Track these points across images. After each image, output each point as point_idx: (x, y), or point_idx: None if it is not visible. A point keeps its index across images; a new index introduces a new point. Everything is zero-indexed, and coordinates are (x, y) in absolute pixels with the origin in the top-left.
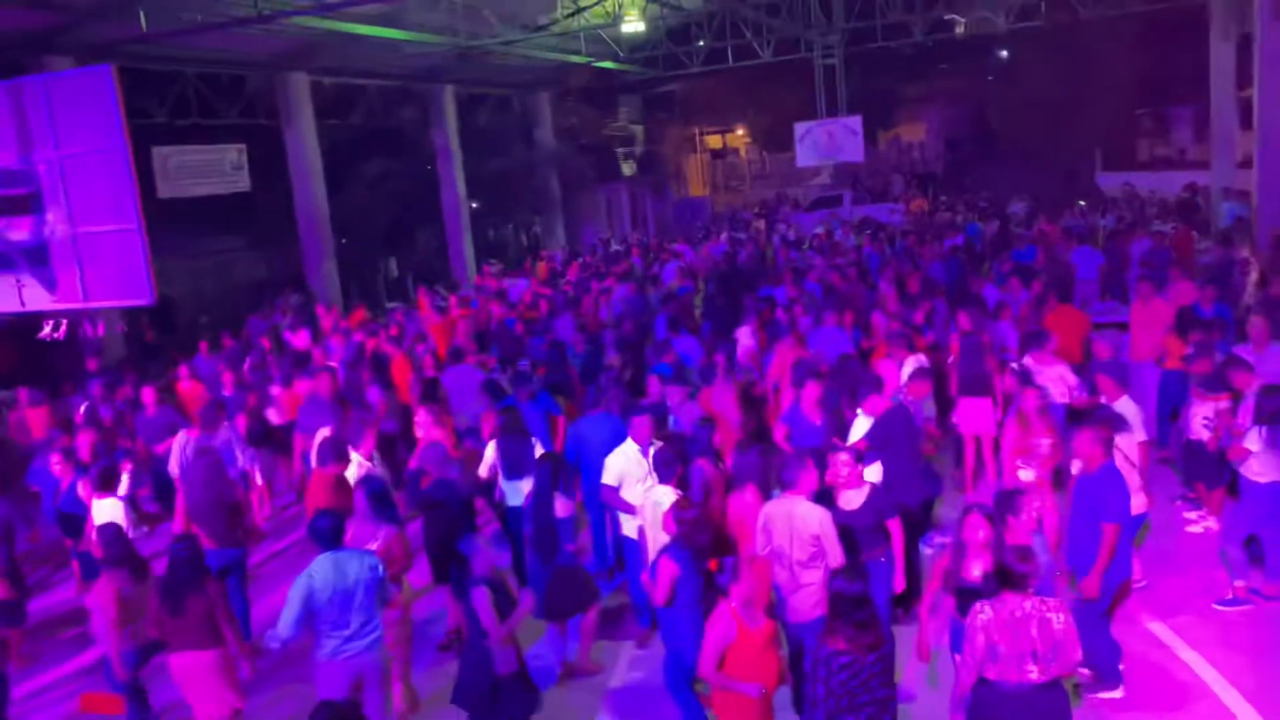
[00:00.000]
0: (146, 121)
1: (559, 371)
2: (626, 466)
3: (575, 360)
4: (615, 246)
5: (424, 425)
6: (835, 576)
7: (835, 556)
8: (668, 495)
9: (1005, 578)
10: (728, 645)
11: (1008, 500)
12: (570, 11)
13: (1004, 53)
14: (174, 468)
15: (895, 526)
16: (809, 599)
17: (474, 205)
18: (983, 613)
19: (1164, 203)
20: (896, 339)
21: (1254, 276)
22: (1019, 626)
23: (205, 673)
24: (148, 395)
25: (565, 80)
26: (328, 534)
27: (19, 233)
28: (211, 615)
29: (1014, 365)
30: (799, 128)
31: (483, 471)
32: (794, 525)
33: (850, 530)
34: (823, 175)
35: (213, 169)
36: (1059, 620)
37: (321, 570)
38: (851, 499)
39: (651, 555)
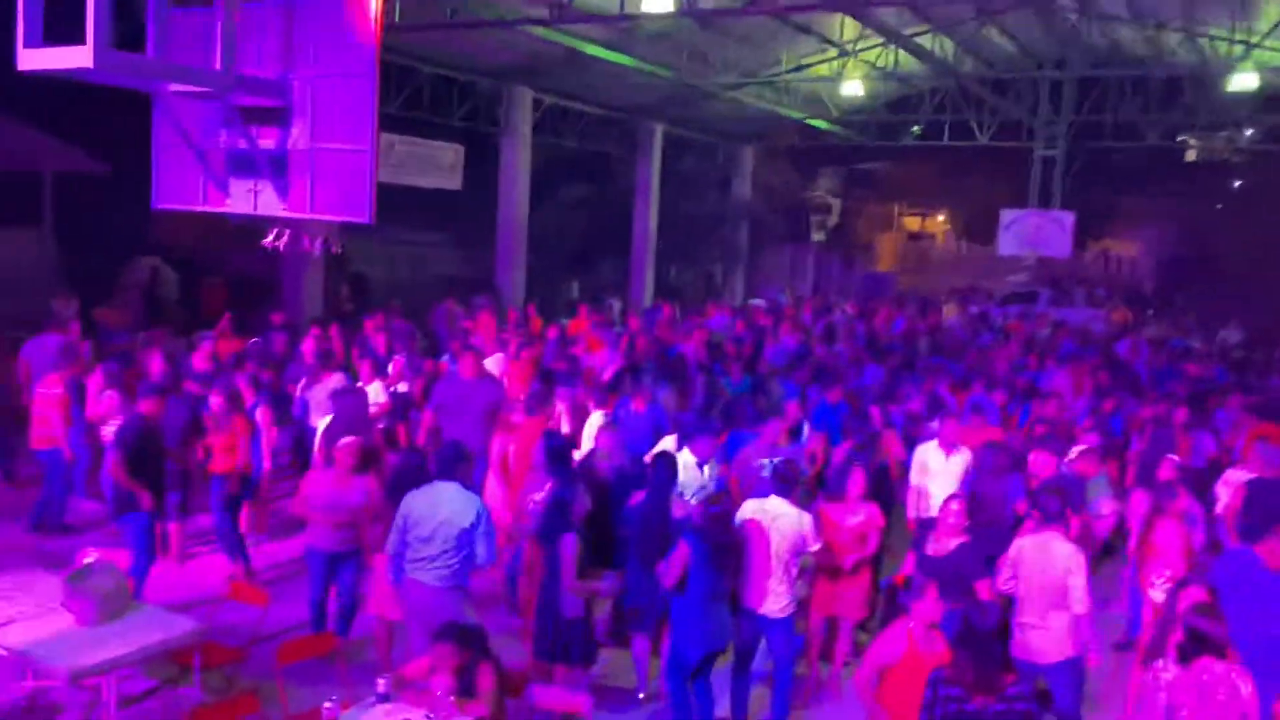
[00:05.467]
0: (381, 109)
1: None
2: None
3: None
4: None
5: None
6: (968, 608)
7: (1081, 602)
8: (784, 507)
9: (1200, 642)
10: (892, 664)
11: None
12: (793, 67)
13: (1238, 182)
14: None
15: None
16: (1049, 640)
17: (659, 243)
18: (1166, 671)
19: None
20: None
21: None
22: (1207, 691)
23: None
24: (307, 345)
25: (772, 137)
26: (445, 463)
27: (267, 141)
28: None
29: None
30: (1006, 214)
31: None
32: (1047, 563)
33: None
34: (1020, 274)
35: (431, 164)
36: (1246, 689)
37: (419, 496)
38: (945, 544)
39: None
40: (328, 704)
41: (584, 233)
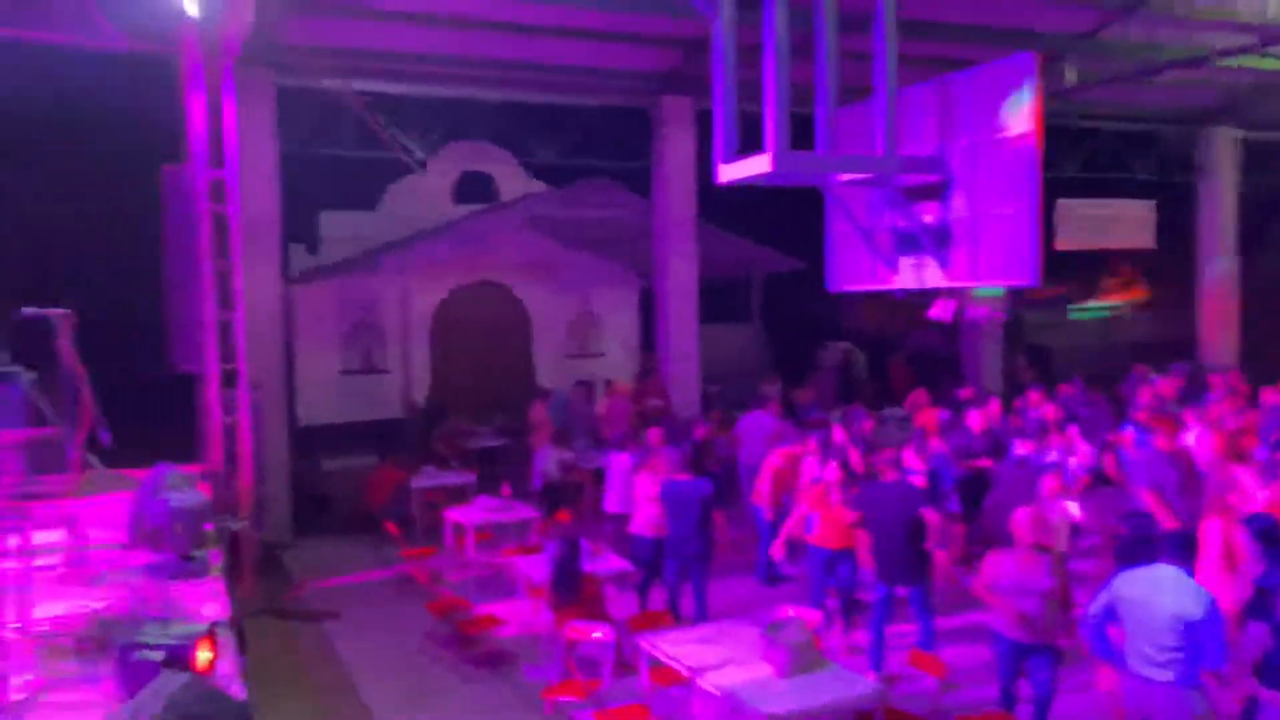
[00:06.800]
0: (1055, 175)
1: None
2: None
3: None
4: None
5: None
6: None
7: None
8: None
9: None
10: None
11: None
12: None
13: None
14: None
15: None
16: None
17: None
18: None
19: None
20: None
21: None
22: None
23: None
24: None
25: None
26: (1175, 546)
27: (927, 215)
28: None
29: None
30: None
31: None
32: None
33: None
34: None
35: (1117, 224)
36: None
37: (1134, 578)
38: None
39: None
40: None
41: None
